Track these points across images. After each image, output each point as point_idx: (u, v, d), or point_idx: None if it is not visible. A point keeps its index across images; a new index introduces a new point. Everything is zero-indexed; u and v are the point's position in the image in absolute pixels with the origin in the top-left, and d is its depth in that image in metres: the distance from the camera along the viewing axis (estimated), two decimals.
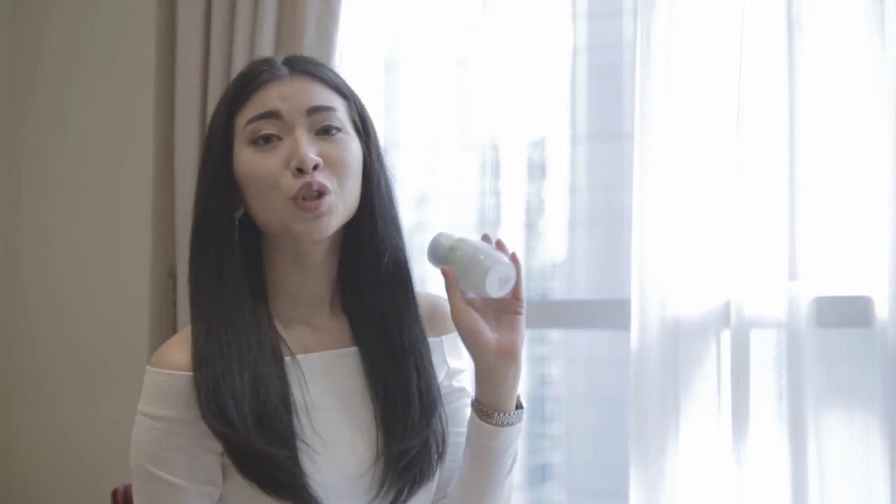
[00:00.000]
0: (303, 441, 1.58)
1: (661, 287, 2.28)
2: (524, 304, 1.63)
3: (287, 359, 1.62)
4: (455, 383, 1.76)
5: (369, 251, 1.67)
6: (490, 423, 1.64)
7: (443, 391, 1.71)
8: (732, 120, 2.23)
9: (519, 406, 1.66)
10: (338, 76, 1.69)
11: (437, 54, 2.81)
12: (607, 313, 2.52)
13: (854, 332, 2.19)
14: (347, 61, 2.69)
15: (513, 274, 1.61)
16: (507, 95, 2.76)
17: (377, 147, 1.70)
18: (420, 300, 1.72)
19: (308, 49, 2.64)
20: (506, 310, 1.63)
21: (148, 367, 1.60)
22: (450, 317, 1.66)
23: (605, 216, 2.67)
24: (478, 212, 2.78)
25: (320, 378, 1.64)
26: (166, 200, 2.91)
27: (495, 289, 1.60)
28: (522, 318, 1.64)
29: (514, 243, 2.79)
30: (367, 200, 1.66)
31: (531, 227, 2.79)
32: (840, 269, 2.19)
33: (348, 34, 2.72)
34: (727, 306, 2.24)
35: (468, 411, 1.69)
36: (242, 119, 1.62)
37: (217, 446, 1.57)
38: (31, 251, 3.13)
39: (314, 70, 1.66)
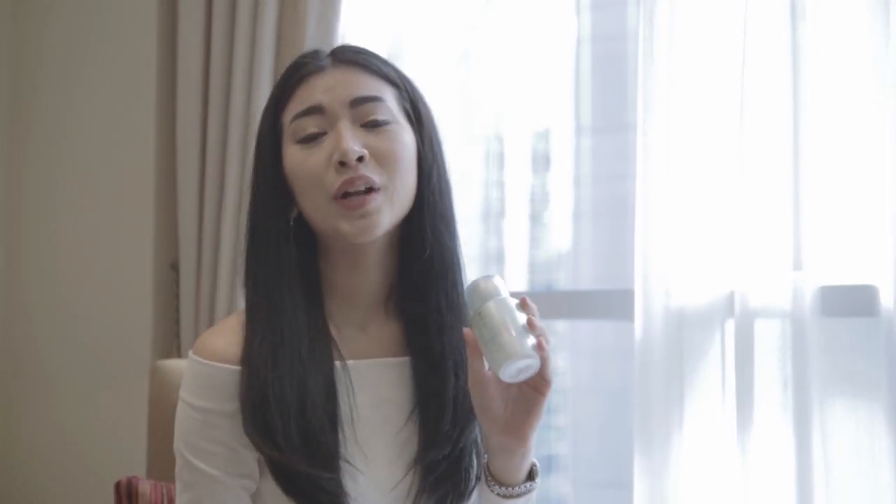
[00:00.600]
0: (346, 461, 1.53)
1: (666, 277, 2.28)
2: (550, 385, 1.49)
3: (337, 363, 1.56)
4: None
5: (416, 248, 1.59)
6: (494, 493, 1.57)
7: None
8: (736, 110, 2.22)
9: (531, 477, 1.58)
10: (386, 63, 1.61)
11: (441, 45, 2.80)
12: (612, 304, 2.52)
13: (859, 322, 2.18)
14: None
15: (536, 364, 1.46)
16: (510, 87, 2.76)
17: (431, 136, 1.61)
18: None
19: (309, 44, 2.63)
20: (530, 384, 1.49)
21: (191, 355, 1.57)
22: None
23: (610, 207, 2.66)
24: (482, 203, 2.78)
25: (368, 387, 1.58)
26: (169, 193, 2.90)
27: (512, 376, 1.46)
28: (543, 400, 1.50)
29: (519, 235, 2.79)
30: (420, 193, 1.57)
31: (535, 218, 2.79)
32: (845, 259, 2.19)
33: (350, 28, 2.71)
34: (731, 296, 2.23)
35: None
36: (288, 116, 1.56)
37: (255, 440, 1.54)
38: (32, 245, 3.13)
39: (359, 59, 1.58)
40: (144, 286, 2.91)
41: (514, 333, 1.45)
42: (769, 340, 2.20)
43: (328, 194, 1.51)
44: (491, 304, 1.47)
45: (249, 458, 1.55)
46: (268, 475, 1.55)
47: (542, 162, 2.80)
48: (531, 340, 1.45)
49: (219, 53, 2.78)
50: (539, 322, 1.47)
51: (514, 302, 1.48)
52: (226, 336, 1.57)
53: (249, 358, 1.53)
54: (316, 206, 1.54)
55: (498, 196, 2.78)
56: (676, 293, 2.27)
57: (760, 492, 2.18)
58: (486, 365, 1.49)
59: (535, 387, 1.49)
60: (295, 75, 1.58)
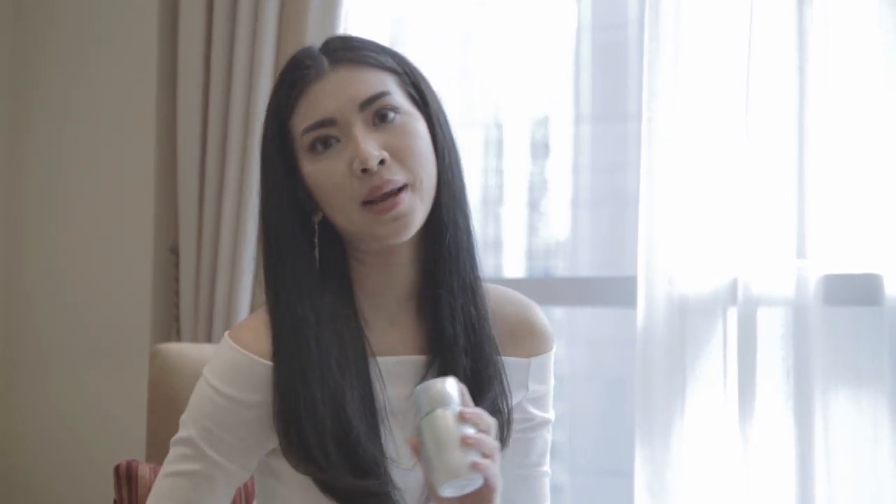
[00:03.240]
0: (390, 458, 1.52)
1: (668, 264, 2.27)
2: (496, 493, 1.44)
3: (370, 360, 1.55)
4: (531, 407, 1.67)
5: (434, 231, 1.55)
6: None
7: (514, 415, 1.61)
8: (741, 97, 2.22)
9: None
10: (382, 51, 1.58)
11: (441, 32, 2.80)
12: (612, 291, 2.51)
13: (863, 311, 2.18)
14: None
15: (476, 482, 1.41)
16: (510, 74, 2.77)
17: (438, 116, 1.58)
18: (504, 303, 1.65)
19: (310, 29, 2.62)
20: (479, 493, 1.44)
21: (227, 339, 1.55)
22: (543, 336, 1.64)
23: (608, 195, 2.67)
24: (481, 190, 2.78)
25: (397, 383, 1.56)
26: (169, 175, 2.89)
27: (453, 492, 1.43)
28: (493, 502, 1.46)
29: (517, 222, 2.79)
30: (438, 176, 1.54)
31: (534, 205, 2.80)
32: (849, 247, 2.18)
33: (351, 13, 2.70)
34: (734, 284, 2.23)
35: (539, 443, 1.65)
36: (297, 127, 1.53)
37: (269, 442, 1.53)
38: (33, 228, 3.12)
39: (355, 55, 1.55)
40: (144, 269, 2.90)
41: (453, 452, 1.41)
42: (772, 329, 2.19)
43: (357, 203, 1.49)
44: (437, 414, 1.42)
45: (258, 453, 1.55)
46: (287, 480, 1.54)
47: (541, 149, 2.81)
48: (472, 458, 1.40)
49: (221, 35, 2.77)
50: (475, 437, 1.41)
51: (456, 412, 1.42)
52: (260, 333, 1.54)
53: (278, 377, 1.52)
54: (346, 215, 1.51)
55: (496, 183, 2.78)
56: (679, 280, 2.27)
57: (762, 480, 2.18)
58: None
59: (483, 495, 1.45)
60: (296, 85, 1.54)
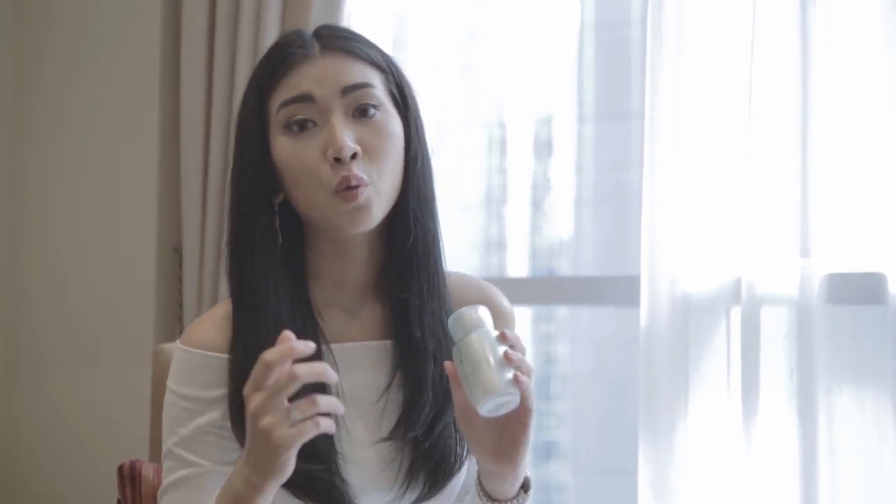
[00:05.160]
0: (338, 450, 1.53)
1: (672, 263, 2.27)
2: (532, 414, 1.47)
3: (323, 347, 1.56)
4: None
5: (401, 232, 1.58)
6: None
7: None
8: (744, 96, 2.22)
9: (524, 487, 1.56)
10: (373, 47, 1.60)
11: (444, 31, 2.80)
12: (616, 290, 2.51)
13: (867, 310, 2.17)
14: None
15: (515, 399, 1.44)
16: (513, 73, 2.76)
17: (416, 120, 1.60)
18: (464, 288, 1.66)
19: (314, 21, 2.62)
20: (512, 415, 1.47)
21: (178, 344, 1.58)
22: (507, 317, 1.64)
23: (612, 194, 2.67)
24: (484, 189, 2.78)
25: (351, 370, 1.58)
26: (172, 175, 2.89)
27: (490, 411, 1.45)
28: (527, 430, 1.48)
29: (521, 221, 2.79)
30: (405, 179, 1.57)
31: (537, 204, 2.79)
32: (853, 246, 2.18)
33: (355, 10, 2.70)
34: (738, 283, 2.23)
35: None
36: (274, 103, 1.54)
37: (242, 438, 1.52)
38: (35, 227, 3.12)
39: (346, 45, 1.57)
40: (147, 269, 2.90)
41: (492, 369, 1.43)
42: (775, 328, 2.19)
43: (327, 189, 1.51)
44: (472, 338, 1.45)
45: (235, 449, 1.54)
46: None
47: (544, 148, 2.80)
48: (510, 375, 1.43)
49: (223, 34, 2.77)
50: (516, 355, 1.44)
51: (495, 334, 1.46)
52: (212, 325, 1.57)
53: (236, 355, 1.53)
54: (312, 199, 1.53)
55: (500, 182, 2.78)
56: (683, 279, 2.27)
57: (765, 480, 2.18)
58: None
59: (518, 417, 1.47)
60: (282, 62, 1.55)
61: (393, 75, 1.59)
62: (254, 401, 1.37)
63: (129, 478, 2.08)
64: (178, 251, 2.87)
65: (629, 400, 2.47)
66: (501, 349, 1.44)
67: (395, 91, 1.59)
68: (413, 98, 1.61)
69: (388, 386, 1.59)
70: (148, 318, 2.88)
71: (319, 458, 1.51)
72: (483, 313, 1.47)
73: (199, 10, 2.81)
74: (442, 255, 1.63)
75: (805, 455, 2.14)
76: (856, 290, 2.17)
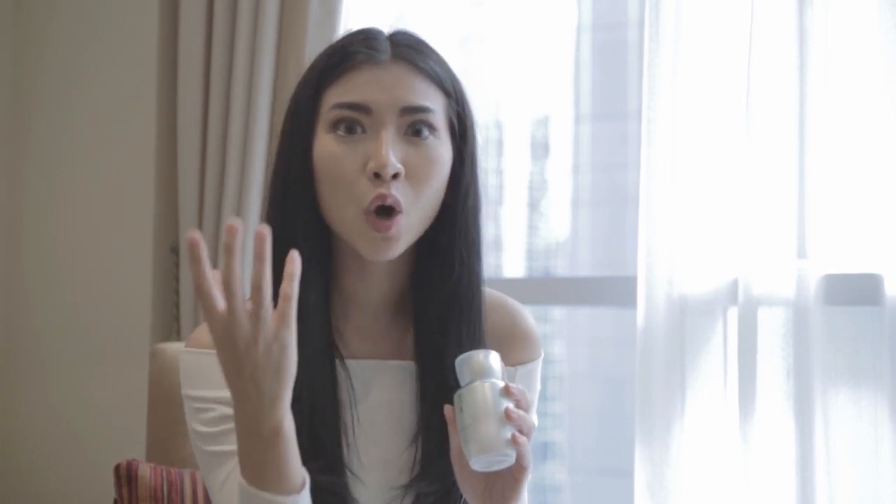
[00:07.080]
0: (349, 469, 1.49)
1: (669, 264, 2.27)
2: (527, 472, 1.41)
3: (337, 362, 1.52)
4: None
5: (440, 267, 1.51)
6: None
7: None
8: (742, 97, 2.22)
9: None
10: (443, 66, 1.51)
11: (441, 33, 2.80)
12: (611, 291, 2.51)
13: (863, 311, 2.18)
14: None
15: (509, 460, 1.38)
16: (510, 74, 2.76)
17: (472, 153, 1.52)
18: (493, 310, 1.58)
19: (311, 29, 2.62)
20: (509, 470, 1.41)
21: (183, 350, 1.54)
22: (532, 345, 1.58)
23: (608, 195, 2.67)
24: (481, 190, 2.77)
25: (369, 387, 1.53)
26: (169, 174, 2.89)
27: (484, 467, 1.40)
28: (519, 485, 1.42)
29: (517, 222, 2.79)
30: (450, 211, 1.49)
31: (534, 205, 2.80)
32: (849, 247, 2.18)
33: (352, 11, 2.70)
34: (735, 284, 2.23)
35: None
36: (329, 99, 1.47)
37: None
38: (32, 227, 3.12)
39: (418, 59, 1.48)
40: (144, 269, 2.89)
41: (490, 425, 1.37)
42: (772, 328, 2.19)
43: (360, 206, 1.44)
44: (476, 386, 1.39)
45: None
46: None
47: (540, 149, 2.81)
48: (508, 434, 1.37)
49: (221, 35, 2.77)
50: (518, 413, 1.38)
51: (501, 385, 1.39)
52: None
53: None
54: (342, 212, 1.46)
55: (496, 183, 2.78)
56: (679, 280, 2.27)
57: (762, 480, 2.18)
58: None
59: (512, 473, 1.42)
60: (348, 59, 1.48)
61: (457, 102, 1.52)
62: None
63: (126, 478, 2.08)
64: (175, 251, 2.87)
65: (626, 400, 2.47)
66: (504, 404, 1.38)
67: (454, 119, 1.50)
68: (472, 131, 1.53)
69: (421, 415, 1.53)
70: (145, 319, 2.87)
71: (335, 471, 1.48)
72: (493, 360, 1.42)
73: (197, 9, 2.80)
74: (483, 297, 1.55)
75: (802, 456, 2.14)
76: (852, 291, 2.18)
